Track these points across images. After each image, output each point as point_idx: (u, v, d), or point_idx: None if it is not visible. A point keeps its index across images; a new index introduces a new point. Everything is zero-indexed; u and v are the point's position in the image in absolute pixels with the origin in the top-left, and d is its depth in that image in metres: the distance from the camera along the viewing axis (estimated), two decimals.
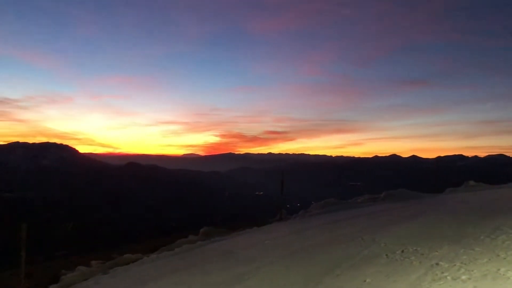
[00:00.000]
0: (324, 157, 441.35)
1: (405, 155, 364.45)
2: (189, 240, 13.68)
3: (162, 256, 11.28)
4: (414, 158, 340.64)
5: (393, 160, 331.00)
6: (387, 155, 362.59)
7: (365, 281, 6.09)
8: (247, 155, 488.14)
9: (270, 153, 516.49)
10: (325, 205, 18.47)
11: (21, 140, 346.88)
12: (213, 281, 7.51)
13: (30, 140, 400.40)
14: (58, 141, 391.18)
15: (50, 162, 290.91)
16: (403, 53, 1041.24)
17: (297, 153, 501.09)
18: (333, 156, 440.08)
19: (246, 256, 9.48)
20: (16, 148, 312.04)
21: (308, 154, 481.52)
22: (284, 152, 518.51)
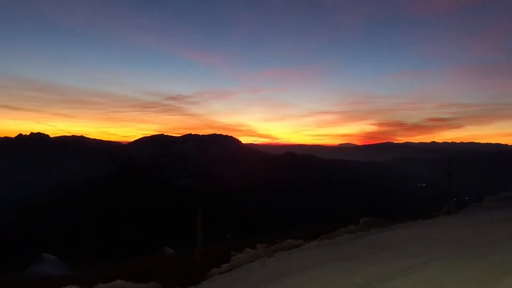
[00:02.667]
0: (497, 146, 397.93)
1: None
2: (349, 230, 13.61)
3: (323, 244, 11.42)
4: None
5: None
6: None
7: None
8: (407, 144, 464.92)
9: (433, 142, 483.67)
10: (502, 198, 16.57)
11: (193, 132, 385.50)
12: (376, 272, 7.36)
13: (200, 132, 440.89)
14: (223, 132, 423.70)
15: (217, 152, 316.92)
16: None
17: (465, 141, 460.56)
18: (509, 144, 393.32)
19: (410, 249, 9.06)
20: (189, 140, 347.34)
21: (478, 143, 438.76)
22: (449, 141, 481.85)
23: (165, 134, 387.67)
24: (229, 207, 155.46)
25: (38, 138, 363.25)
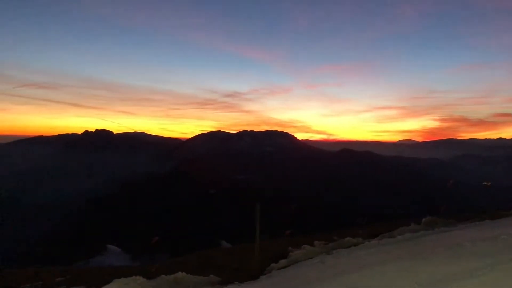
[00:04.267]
0: None
1: None
2: (411, 229, 13.19)
3: (384, 243, 11.14)
4: None
5: None
6: None
7: None
8: (471, 141, 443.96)
9: (500, 138, 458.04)
10: None
11: (248, 128, 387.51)
12: (442, 273, 7.08)
13: (256, 129, 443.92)
14: (279, 129, 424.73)
15: (272, 148, 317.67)
16: None
17: None
18: None
19: (477, 250, 8.63)
20: (244, 136, 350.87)
21: None
22: None
23: (221, 130, 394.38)
24: (285, 203, 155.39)
25: (103, 135, 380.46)
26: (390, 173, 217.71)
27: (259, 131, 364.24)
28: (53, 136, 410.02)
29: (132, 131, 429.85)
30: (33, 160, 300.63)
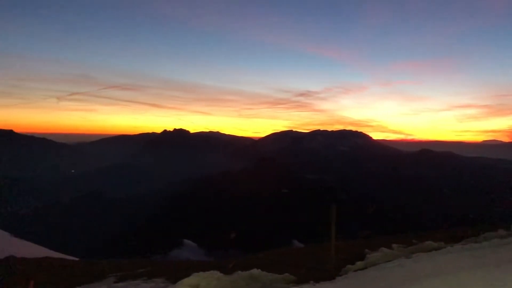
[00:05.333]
0: None
1: None
2: (499, 235, 12.35)
3: (468, 248, 10.54)
4: None
5: None
6: None
7: None
8: None
9: None
10: None
11: (321, 128, 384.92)
12: None
13: (329, 128, 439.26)
14: (353, 128, 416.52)
15: (346, 148, 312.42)
16: None
17: None
18: None
19: None
20: (317, 135, 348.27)
21: None
22: None
23: (294, 130, 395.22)
24: (360, 204, 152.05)
25: (180, 134, 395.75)
26: (473, 175, 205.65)
27: (332, 131, 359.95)
28: (135, 135, 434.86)
29: (207, 130, 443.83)
30: (116, 157, 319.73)
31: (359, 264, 10.27)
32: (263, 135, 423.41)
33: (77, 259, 31.63)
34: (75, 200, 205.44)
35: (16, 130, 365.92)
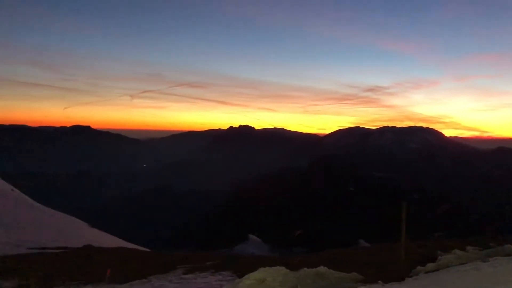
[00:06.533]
0: None
1: None
2: None
3: None
4: None
5: None
6: None
7: None
8: None
9: None
10: None
11: (390, 124, 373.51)
12: None
13: (398, 125, 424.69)
14: (423, 125, 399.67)
15: (416, 145, 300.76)
16: None
17: None
18: None
19: None
20: (385, 132, 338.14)
21: None
22: None
23: (361, 126, 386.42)
24: (432, 204, 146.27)
25: (245, 130, 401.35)
26: None
27: (402, 127, 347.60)
28: (202, 131, 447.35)
29: (272, 126, 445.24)
30: (184, 153, 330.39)
31: (430, 265, 9.86)
32: (328, 131, 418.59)
33: (147, 249, 33.11)
34: (146, 193, 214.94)
35: (93, 126, 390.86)
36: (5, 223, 37.39)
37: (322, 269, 9.42)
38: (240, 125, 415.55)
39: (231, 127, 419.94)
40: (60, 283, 14.57)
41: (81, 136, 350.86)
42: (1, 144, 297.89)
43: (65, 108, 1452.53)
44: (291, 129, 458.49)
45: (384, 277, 9.28)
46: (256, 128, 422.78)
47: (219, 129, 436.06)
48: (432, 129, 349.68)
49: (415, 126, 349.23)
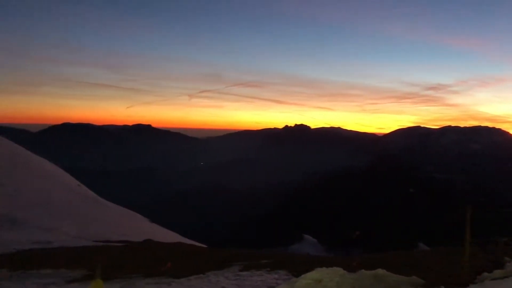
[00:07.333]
0: None
1: None
2: None
3: None
4: None
5: None
6: None
7: None
8: None
9: None
10: None
11: (452, 124, 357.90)
12: None
13: (461, 124, 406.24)
14: (489, 124, 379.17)
15: (481, 146, 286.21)
16: None
17: None
18: None
19: None
20: (448, 132, 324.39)
21: None
22: None
23: (421, 126, 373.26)
24: (496, 207, 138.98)
25: (301, 129, 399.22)
26: None
27: (465, 127, 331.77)
28: (257, 130, 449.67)
29: (328, 126, 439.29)
30: (240, 151, 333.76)
31: (497, 272, 9.37)
32: (387, 131, 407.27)
33: (204, 246, 33.86)
34: (202, 190, 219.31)
35: (153, 125, 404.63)
36: (72, 216, 39.66)
37: (380, 271, 9.22)
38: (295, 124, 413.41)
39: (286, 126, 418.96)
40: (123, 275, 15.24)
41: (142, 134, 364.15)
42: (68, 141, 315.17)
43: (128, 107, 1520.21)
44: (348, 128, 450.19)
45: (446, 282, 8.95)
46: (312, 127, 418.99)
47: (275, 128, 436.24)
48: (498, 129, 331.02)
49: (480, 126, 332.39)
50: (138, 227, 45.24)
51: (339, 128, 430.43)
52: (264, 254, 19.57)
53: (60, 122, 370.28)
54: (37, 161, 61.32)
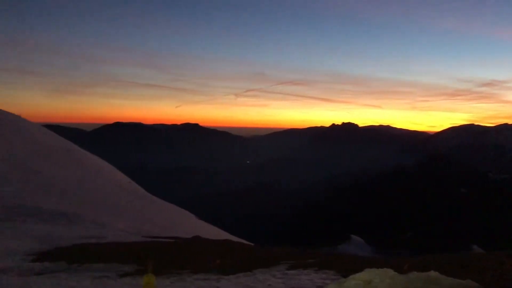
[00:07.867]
0: None
1: None
2: None
3: None
4: None
5: None
6: None
7: None
8: None
9: None
10: None
11: (509, 121, 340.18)
12: None
13: None
14: None
15: None
16: None
17: None
18: None
19: None
20: (504, 130, 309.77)
21: None
22: None
23: (476, 123, 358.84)
24: None
25: (349, 128, 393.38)
26: None
27: None
28: (303, 128, 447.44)
29: (377, 124, 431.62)
30: (286, 150, 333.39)
31: None
32: (439, 129, 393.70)
33: (251, 243, 34.04)
34: (249, 188, 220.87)
35: (201, 124, 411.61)
36: (123, 213, 41.04)
37: (433, 273, 8.91)
38: (343, 122, 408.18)
39: (333, 124, 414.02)
40: (172, 271, 15.60)
41: (190, 133, 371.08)
42: (119, 140, 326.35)
43: (176, 106, 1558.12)
44: (398, 126, 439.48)
45: (503, 285, 8.57)
46: (360, 125, 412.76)
47: (321, 127, 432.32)
48: None
49: None
50: (186, 223, 46.19)
51: (388, 126, 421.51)
52: (312, 254, 19.44)
53: (112, 122, 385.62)
54: (91, 158, 63.91)
